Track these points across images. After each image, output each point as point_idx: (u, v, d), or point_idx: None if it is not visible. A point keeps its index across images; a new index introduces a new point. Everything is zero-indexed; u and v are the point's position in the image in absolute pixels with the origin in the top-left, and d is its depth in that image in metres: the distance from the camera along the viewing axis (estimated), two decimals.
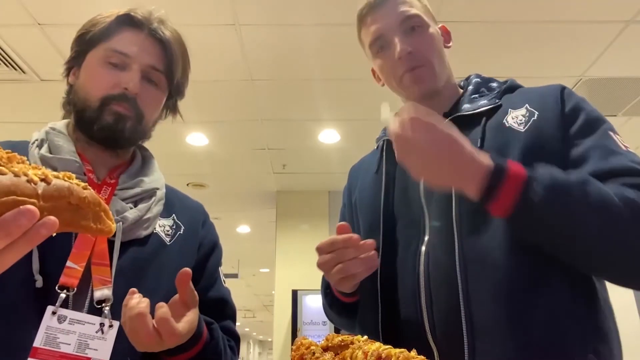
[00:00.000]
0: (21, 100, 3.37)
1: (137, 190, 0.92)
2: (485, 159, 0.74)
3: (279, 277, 4.78)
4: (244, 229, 6.42)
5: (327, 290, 1.00)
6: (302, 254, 4.47)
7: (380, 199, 0.96)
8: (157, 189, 0.96)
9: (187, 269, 0.77)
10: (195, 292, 0.79)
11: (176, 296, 0.78)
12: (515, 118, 0.90)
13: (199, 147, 4.09)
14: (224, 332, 0.95)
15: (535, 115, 0.88)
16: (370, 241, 0.82)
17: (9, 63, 2.92)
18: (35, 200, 0.44)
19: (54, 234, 0.44)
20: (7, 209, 0.41)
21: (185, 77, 1.03)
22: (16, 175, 0.43)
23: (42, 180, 0.46)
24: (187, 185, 4.83)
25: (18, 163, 0.46)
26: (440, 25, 1.03)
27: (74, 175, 0.50)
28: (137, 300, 0.74)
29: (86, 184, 0.51)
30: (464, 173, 0.74)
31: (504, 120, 0.90)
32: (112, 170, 0.95)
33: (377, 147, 1.08)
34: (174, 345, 0.75)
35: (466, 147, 0.73)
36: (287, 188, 4.97)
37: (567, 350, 0.75)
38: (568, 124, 0.86)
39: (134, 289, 0.76)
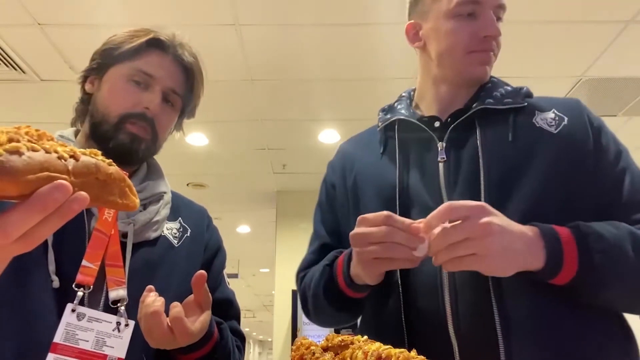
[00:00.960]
0: (21, 100, 3.37)
1: (145, 194, 0.95)
2: (529, 229, 0.74)
3: (279, 277, 4.77)
4: (244, 229, 6.43)
5: (329, 285, 0.93)
6: (302, 254, 4.45)
7: (396, 182, 0.92)
8: (165, 192, 0.99)
9: (203, 272, 0.80)
10: (210, 294, 0.82)
11: (191, 297, 0.81)
12: (545, 120, 0.90)
13: (199, 147, 4.09)
14: (230, 332, 0.97)
15: (566, 121, 0.89)
16: (424, 236, 0.74)
17: (9, 63, 2.92)
18: (66, 177, 0.45)
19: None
20: (41, 185, 0.43)
21: (198, 99, 1.07)
22: (47, 152, 0.44)
23: (71, 156, 0.47)
24: (187, 185, 4.83)
25: (48, 140, 0.47)
26: None
27: (99, 152, 0.51)
28: (152, 299, 0.77)
29: (111, 160, 0.52)
30: (526, 251, 0.73)
31: (534, 120, 0.90)
32: None
33: (381, 127, 1.02)
34: (186, 344, 0.78)
35: (513, 226, 0.73)
36: (287, 188, 4.97)
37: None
38: (597, 138, 0.88)
39: (151, 287, 0.79)
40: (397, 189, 0.91)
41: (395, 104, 1.04)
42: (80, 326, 0.79)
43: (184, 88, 1.00)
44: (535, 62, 3.01)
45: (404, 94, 1.06)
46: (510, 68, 3.06)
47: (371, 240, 0.75)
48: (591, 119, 0.90)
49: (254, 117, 3.66)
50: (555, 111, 0.91)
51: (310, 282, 0.99)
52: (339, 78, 3.18)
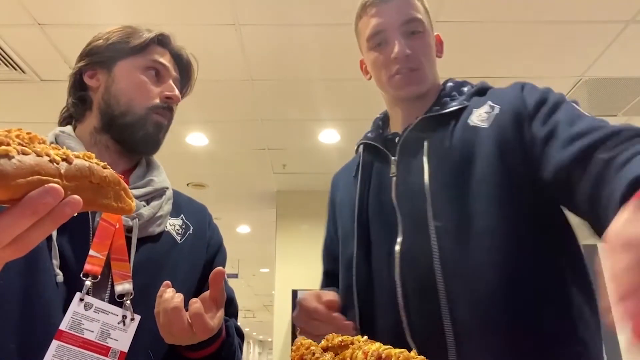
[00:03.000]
0: (21, 100, 3.37)
1: (148, 189, 0.96)
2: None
3: (279, 277, 4.77)
4: (244, 229, 6.43)
5: None
6: (302, 254, 4.47)
7: (355, 203, 0.97)
8: (167, 188, 1.00)
9: (221, 268, 0.81)
10: (225, 292, 0.82)
11: (207, 293, 0.81)
12: (479, 116, 0.91)
13: (199, 147, 4.09)
14: None
15: (497, 109, 0.90)
16: (349, 323, 0.84)
17: (9, 63, 2.92)
18: (58, 180, 0.44)
19: (76, 214, 0.45)
20: (32, 189, 0.42)
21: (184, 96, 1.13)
22: (39, 155, 0.44)
23: (63, 160, 0.46)
24: (187, 185, 4.83)
25: (39, 143, 0.46)
26: (436, 34, 1.05)
27: (93, 155, 0.51)
28: (171, 294, 0.77)
29: (105, 163, 0.52)
30: None
31: (468, 120, 0.92)
32: (124, 172, 0.98)
33: (357, 153, 1.09)
34: (204, 339, 0.79)
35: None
36: (287, 188, 4.97)
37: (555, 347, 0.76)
38: (533, 109, 0.85)
39: (168, 282, 0.80)
40: (356, 210, 0.97)
41: (371, 127, 1.11)
42: (87, 316, 0.79)
43: (181, 84, 1.05)
44: (535, 62, 3.01)
45: (379, 116, 1.13)
46: (511, 68, 3.07)
47: (304, 327, 0.87)
48: (531, 91, 0.88)
49: (253, 117, 3.66)
50: (490, 102, 0.92)
51: None
52: (339, 78, 3.18)
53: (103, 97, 0.95)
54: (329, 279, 1.10)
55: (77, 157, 0.48)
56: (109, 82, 0.96)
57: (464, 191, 0.84)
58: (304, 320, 0.88)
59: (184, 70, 1.05)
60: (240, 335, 1.02)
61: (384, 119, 1.10)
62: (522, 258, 0.80)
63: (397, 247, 0.88)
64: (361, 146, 1.06)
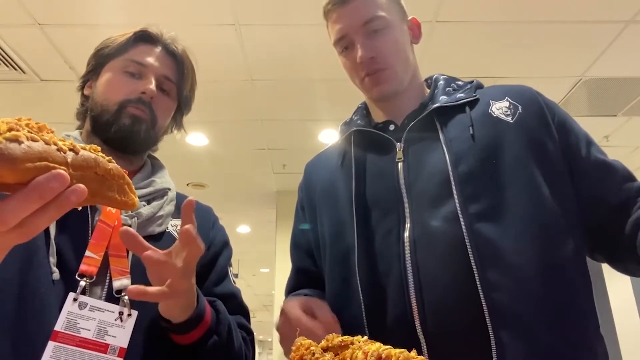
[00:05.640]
0: (21, 100, 3.37)
1: (149, 189, 0.96)
2: None
3: (279, 277, 4.77)
4: (244, 229, 6.43)
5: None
6: None
7: (352, 190, 0.94)
8: (169, 189, 1.01)
9: (191, 199, 0.76)
10: (202, 244, 0.75)
11: (177, 244, 0.76)
12: (500, 109, 0.91)
13: (199, 147, 4.09)
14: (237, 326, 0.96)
15: (520, 109, 0.91)
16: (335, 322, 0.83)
17: (9, 63, 2.92)
18: (65, 168, 0.45)
19: (80, 208, 0.46)
20: (39, 174, 0.43)
21: (192, 93, 1.10)
22: (47, 143, 0.45)
23: (70, 150, 0.47)
24: (187, 185, 4.83)
25: (48, 133, 0.47)
26: (410, 18, 1.02)
27: (99, 148, 0.51)
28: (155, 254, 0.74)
29: (110, 157, 0.52)
30: None
31: (490, 110, 0.92)
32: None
33: (340, 140, 1.07)
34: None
35: None
36: (287, 188, 4.97)
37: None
38: (554, 122, 0.91)
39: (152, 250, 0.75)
40: (354, 195, 0.93)
41: (353, 116, 1.09)
42: (82, 315, 0.79)
43: (177, 76, 1.03)
44: (535, 62, 3.01)
45: (360, 105, 1.11)
46: (511, 68, 3.07)
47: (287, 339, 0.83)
48: (547, 103, 0.94)
49: (254, 117, 3.66)
50: (509, 99, 0.93)
51: None
52: (339, 78, 3.15)
53: (90, 103, 0.99)
54: (301, 276, 1.06)
55: (84, 148, 0.49)
56: (94, 88, 1.00)
57: (494, 178, 0.84)
58: (288, 335, 0.83)
59: (179, 63, 1.03)
60: (248, 332, 1.00)
61: (367, 109, 1.09)
62: (560, 245, 0.81)
63: (407, 234, 0.85)
64: (351, 133, 1.03)
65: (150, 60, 0.99)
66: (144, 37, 1.01)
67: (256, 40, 2.81)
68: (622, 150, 4.12)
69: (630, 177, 0.89)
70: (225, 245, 1.08)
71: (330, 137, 3.98)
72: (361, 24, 0.94)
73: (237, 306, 1.02)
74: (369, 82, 0.96)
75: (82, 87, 1.03)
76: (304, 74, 3.14)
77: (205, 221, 1.06)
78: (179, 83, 1.03)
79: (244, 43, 2.83)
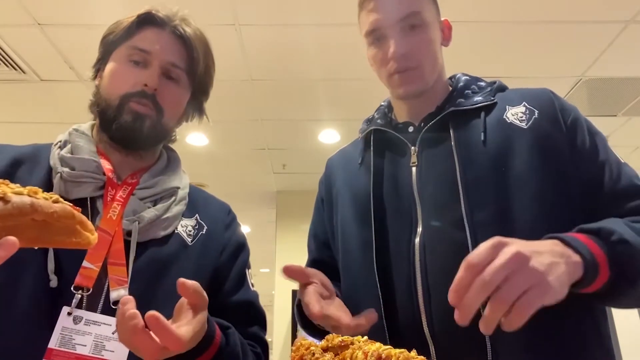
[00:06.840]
0: (21, 100, 3.37)
1: (156, 189, 0.92)
2: (552, 243, 0.67)
3: (279, 277, 4.77)
4: (244, 229, 6.38)
5: (303, 315, 0.90)
6: (302, 254, 4.43)
7: (370, 190, 0.93)
8: (178, 188, 0.95)
9: (182, 280, 0.68)
10: (205, 295, 0.71)
11: (183, 299, 0.71)
12: (515, 114, 0.90)
13: (199, 147, 4.09)
14: (249, 338, 0.91)
15: (536, 114, 0.89)
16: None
17: (9, 63, 2.92)
18: None
19: (36, 248, 0.44)
20: None
21: (209, 77, 1.02)
22: None
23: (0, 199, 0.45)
24: None
25: None
26: (443, 19, 1.00)
27: (40, 190, 0.49)
28: (131, 312, 0.63)
29: (58, 196, 0.49)
30: (570, 266, 0.65)
31: (504, 116, 0.90)
32: (136, 171, 0.94)
33: (360, 139, 1.06)
34: (183, 350, 0.68)
35: (539, 246, 0.66)
36: (287, 188, 4.97)
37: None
38: (570, 128, 0.88)
39: (129, 297, 0.65)
40: (372, 197, 0.92)
41: (375, 114, 1.08)
42: (77, 330, 0.75)
43: (187, 62, 0.95)
44: (535, 62, 3.00)
45: (383, 103, 1.09)
46: (511, 68, 3.07)
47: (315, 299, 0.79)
48: (564, 108, 0.90)
49: (254, 117, 3.66)
50: (526, 104, 0.91)
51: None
52: (339, 78, 3.18)
53: (97, 96, 0.94)
54: (317, 267, 1.02)
55: (20, 193, 0.46)
56: (101, 79, 0.95)
57: (502, 185, 0.83)
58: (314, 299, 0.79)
59: (188, 47, 0.94)
60: (262, 343, 0.94)
61: (389, 107, 1.07)
62: None
63: (417, 239, 0.86)
64: (370, 132, 1.01)
65: (155, 46, 0.91)
66: (149, 20, 0.94)
67: (256, 40, 2.81)
68: (622, 150, 4.12)
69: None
70: (241, 247, 1.02)
71: (330, 137, 3.98)
72: (399, 18, 0.91)
73: (254, 315, 0.97)
74: (398, 80, 0.93)
75: (94, 77, 0.97)
76: (304, 74, 3.14)
77: (219, 219, 1.01)
78: (189, 68, 0.95)
79: (244, 43, 2.83)
